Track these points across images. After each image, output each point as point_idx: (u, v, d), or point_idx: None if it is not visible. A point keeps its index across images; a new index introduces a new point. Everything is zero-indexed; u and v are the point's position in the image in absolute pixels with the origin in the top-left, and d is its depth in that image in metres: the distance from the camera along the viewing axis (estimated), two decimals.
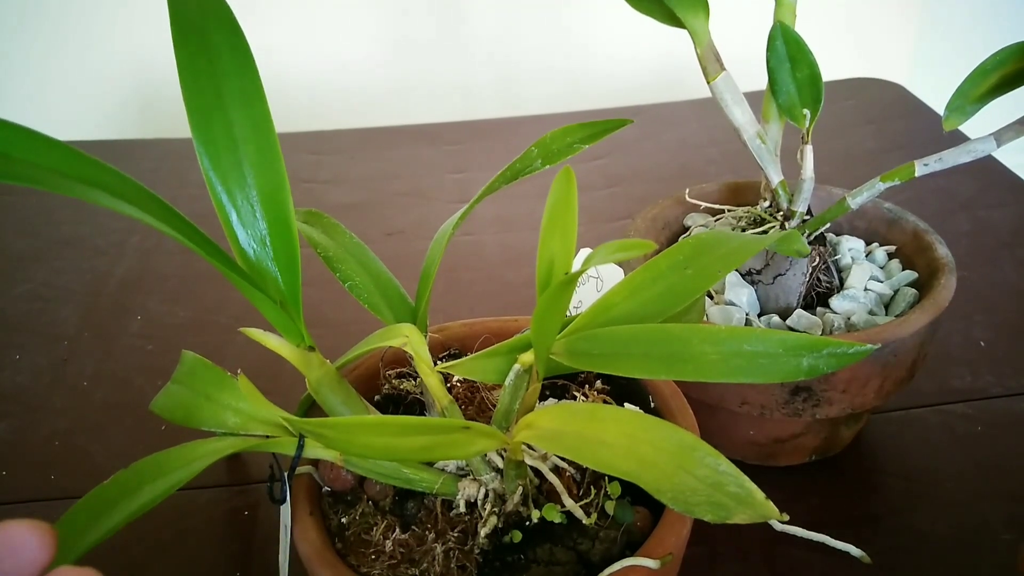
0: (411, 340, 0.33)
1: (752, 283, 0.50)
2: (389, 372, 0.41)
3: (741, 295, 0.49)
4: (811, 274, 0.48)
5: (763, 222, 0.50)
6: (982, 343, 0.61)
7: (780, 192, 0.49)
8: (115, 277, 0.73)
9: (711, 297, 0.51)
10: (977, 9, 1.20)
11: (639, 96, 1.08)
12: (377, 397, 0.40)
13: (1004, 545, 0.46)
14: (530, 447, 0.34)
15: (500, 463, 0.34)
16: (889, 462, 0.52)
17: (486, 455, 0.34)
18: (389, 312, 0.38)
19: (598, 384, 0.40)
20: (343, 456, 0.34)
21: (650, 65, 1.18)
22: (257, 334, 0.32)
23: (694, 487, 0.26)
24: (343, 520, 0.35)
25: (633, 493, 0.34)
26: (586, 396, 0.39)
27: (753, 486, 0.25)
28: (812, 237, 0.49)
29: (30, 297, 0.71)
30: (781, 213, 0.49)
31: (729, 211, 0.54)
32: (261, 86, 0.30)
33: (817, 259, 0.48)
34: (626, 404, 0.38)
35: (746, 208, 0.53)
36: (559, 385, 0.40)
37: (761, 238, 0.34)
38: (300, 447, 0.33)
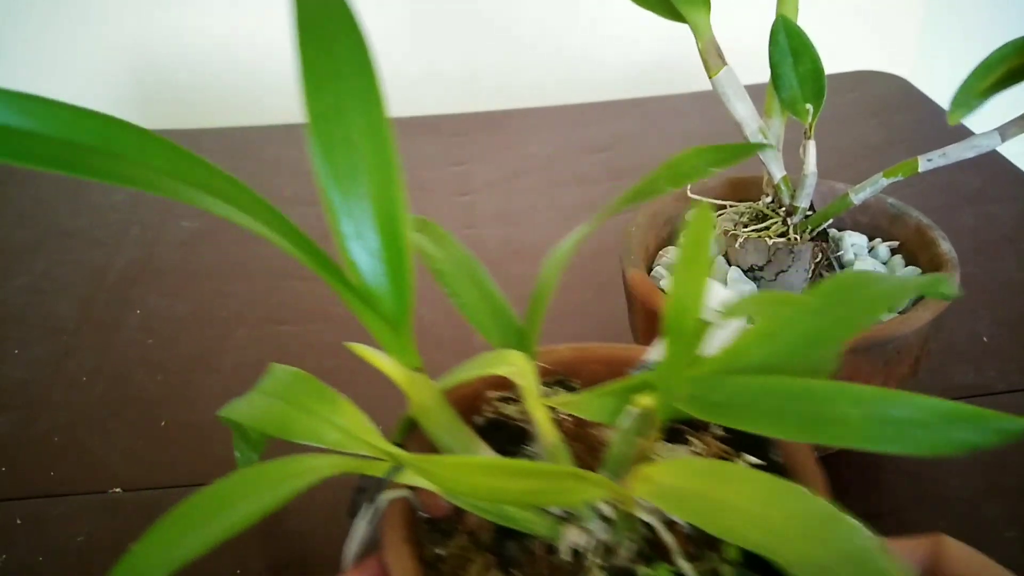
0: (521, 371, 0.31)
1: (754, 279, 0.50)
2: (492, 394, 0.39)
3: (743, 291, 0.49)
4: (814, 270, 0.48)
5: (765, 218, 0.50)
6: (985, 338, 0.61)
7: (782, 187, 0.48)
8: (114, 270, 0.73)
9: None
10: (981, 1, 1.19)
11: (641, 88, 1.07)
12: (478, 420, 0.39)
13: (1007, 542, 0.46)
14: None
15: (608, 510, 0.32)
16: (891, 459, 0.52)
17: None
18: (497, 334, 0.36)
19: (715, 430, 0.37)
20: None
21: (653, 57, 1.17)
22: (363, 351, 0.31)
23: (829, 563, 0.23)
24: (438, 551, 0.33)
25: (752, 555, 0.32)
26: (703, 443, 0.36)
27: (892, 563, 0.24)
28: (815, 233, 0.49)
29: (29, 290, 0.70)
30: (783, 209, 0.49)
31: (731, 207, 0.53)
32: (381, 89, 0.29)
33: (820, 255, 0.48)
34: (746, 456, 0.36)
35: (748, 203, 0.52)
36: (673, 428, 0.38)
37: (908, 281, 0.31)
38: (393, 473, 0.31)
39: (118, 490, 0.51)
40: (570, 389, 0.39)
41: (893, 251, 0.52)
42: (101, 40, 1.09)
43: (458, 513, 0.34)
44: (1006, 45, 0.42)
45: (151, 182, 0.23)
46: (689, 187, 0.55)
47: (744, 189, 0.56)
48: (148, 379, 0.60)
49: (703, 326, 0.26)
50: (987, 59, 0.43)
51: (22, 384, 0.60)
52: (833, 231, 0.52)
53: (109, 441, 0.55)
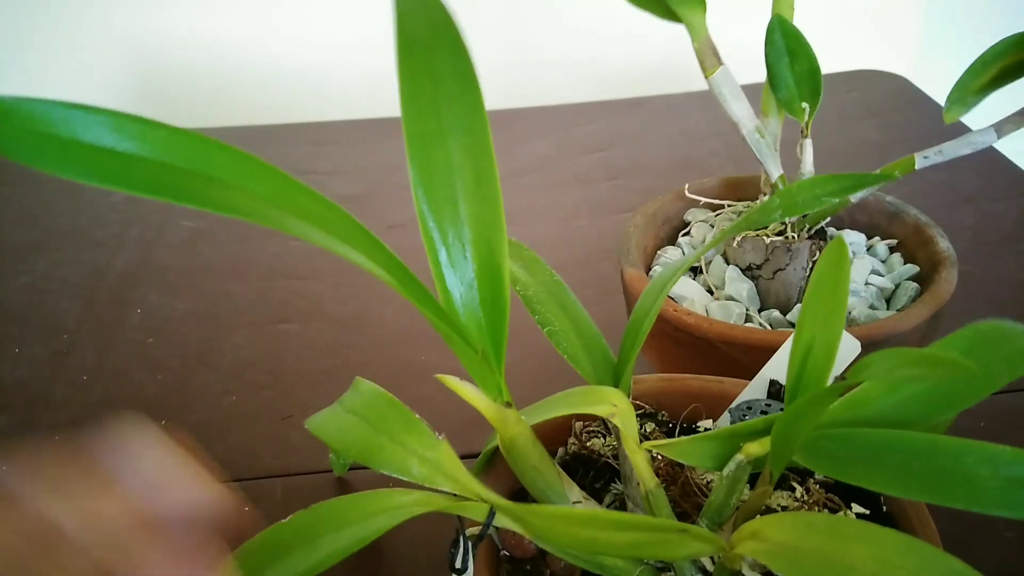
0: (620, 411, 0.30)
1: (752, 278, 0.50)
2: (578, 424, 0.38)
3: (741, 290, 0.49)
4: (811, 269, 0.48)
5: None
6: None
7: (780, 187, 0.48)
8: (115, 269, 0.73)
9: (711, 293, 0.51)
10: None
11: (641, 88, 1.07)
12: (563, 453, 0.37)
13: (1007, 542, 0.46)
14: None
15: (707, 561, 0.31)
16: None
17: None
18: (590, 367, 0.34)
19: (819, 475, 0.35)
20: None
21: (652, 57, 1.17)
22: (453, 383, 0.30)
23: None
24: None
25: None
26: (807, 490, 0.35)
27: None
28: (812, 231, 0.49)
29: (29, 289, 0.71)
30: None
31: (729, 206, 0.53)
32: (484, 113, 0.28)
33: (817, 253, 0.48)
34: (854, 505, 0.34)
35: (746, 203, 0.53)
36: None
37: None
38: (490, 518, 0.30)
39: None
40: (659, 423, 0.38)
41: (891, 249, 0.53)
42: (101, 40, 1.09)
43: (542, 553, 0.33)
44: (1001, 42, 0.42)
45: (250, 209, 0.22)
46: (687, 186, 0.55)
47: (741, 188, 0.56)
48: (148, 378, 0.60)
49: (833, 394, 0.24)
50: (982, 56, 0.43)
51: (22, 383, 0.60)
52: (831, 229, 0.52)
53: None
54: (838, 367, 0.26)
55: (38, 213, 0.82)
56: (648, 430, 0.37)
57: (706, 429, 0.38)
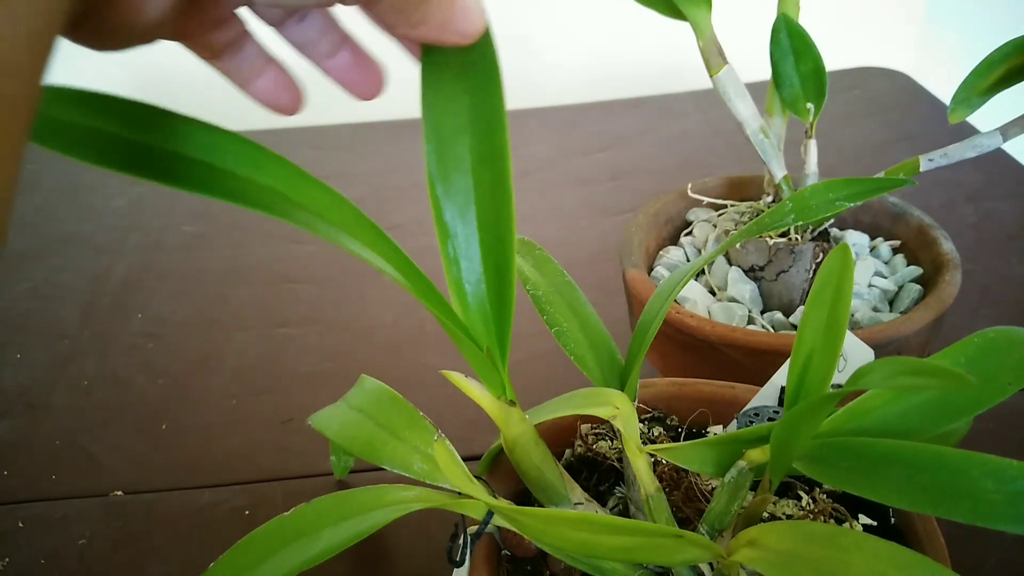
0: (621, 413, 0.30)
1: (755, 279, 0.49)
2: (585, 427, 0.37)
3: (744, 291, 0.48)
4: (814, 270, 0.47)
5: None
6: None
7: (784, 187, 0.48)
8: (116, 275, 0.73)
9: (714, 294, 0.50)
10: None
11: (641, 88, 1.07)
12: (569, 455, 0.37)
13: (1007, 542, 0.46)
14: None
15: (705, 567, 0.30)
16: None
17: None
18: (597, 369, 0.34)
19: (827, 485, 0.35)
20: None
21: (652, 57, 1.17)
22: (458, 379, 0.30)
23: None
24: None
25: None
26: (813, 499, 0.34)
27: None
28: (816, 233, 0.49)
29: (30, 296, 0.70)
30: None
31: (732, 206, 0.53)
32: (504, 112, 0.27)
33: (820, 255, 0.47)
34: (861, 517, 0.34)
35: (749, 203, 0.52)
36: (782, 481, 0.35)
37: None
38: (488, 516, 0.31)
39: (119, 493, 0.51)
40: (667, 427, 0.38)
41: (895, 250, 0.52)
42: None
43: (543, 554, 0.33)
44: (1007, 43, 0.42)
45: (259, 200, 0.22)
46: (690, 186, 0.55)
47: (745, 188, 0.56)
48: (149, 383, 0.60)
49: (832, 400, 0.24)
50: (988, 57, 0.42)
51: (24, 389, 0.60)
52: (834, 231, 0.52)
53: (110, 444, 0.55)
54: (851, 374, 0.25)
55: (39, 220, 0.82)
56: (655, 434, 0.37)
57: (715, 435, 0.38)
